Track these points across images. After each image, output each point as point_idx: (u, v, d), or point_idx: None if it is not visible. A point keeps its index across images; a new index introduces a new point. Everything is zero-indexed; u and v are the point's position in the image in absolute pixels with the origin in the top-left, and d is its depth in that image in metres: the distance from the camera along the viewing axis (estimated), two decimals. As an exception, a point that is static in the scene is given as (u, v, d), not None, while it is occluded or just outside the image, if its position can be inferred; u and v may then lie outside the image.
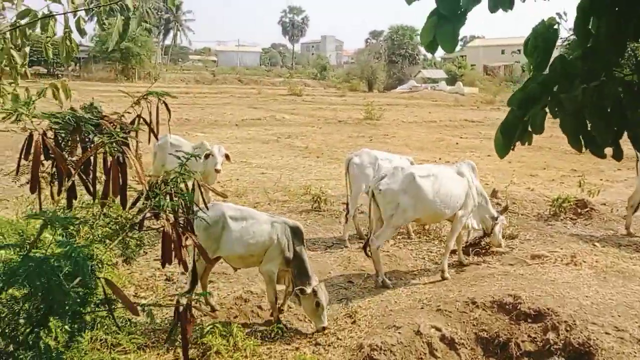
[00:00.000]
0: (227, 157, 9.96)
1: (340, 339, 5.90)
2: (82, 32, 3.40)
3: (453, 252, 8.64)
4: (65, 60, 3.75)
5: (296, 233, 6.03)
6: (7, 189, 11.04)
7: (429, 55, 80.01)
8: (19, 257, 3.99)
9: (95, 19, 3.52)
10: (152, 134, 2.74)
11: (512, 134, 2.30)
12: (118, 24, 3.23)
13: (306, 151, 19.06)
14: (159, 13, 74.88)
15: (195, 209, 2.92)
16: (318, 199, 11.11)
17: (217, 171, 9.74)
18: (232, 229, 5.92)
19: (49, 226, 2.15)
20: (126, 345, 5.07)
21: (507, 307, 6.38)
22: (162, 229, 2.45)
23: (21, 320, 2.04)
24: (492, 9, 2.44)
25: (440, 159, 17.17)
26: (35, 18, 3.11)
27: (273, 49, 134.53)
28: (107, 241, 2.92)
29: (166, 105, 2.82)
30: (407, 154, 12.43)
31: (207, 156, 9.72)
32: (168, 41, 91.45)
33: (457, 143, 22.31)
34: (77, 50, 3.69)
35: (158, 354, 5.29)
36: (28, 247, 4.85)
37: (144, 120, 2.71)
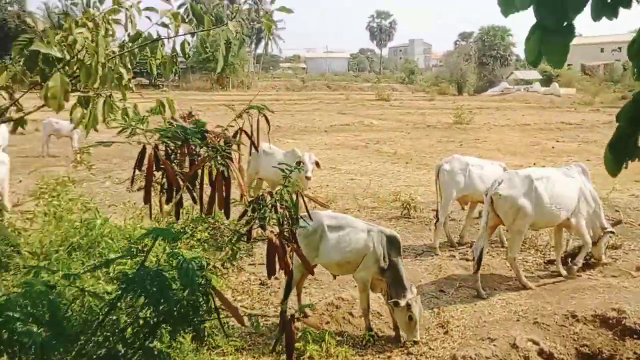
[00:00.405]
0: (317, 164, 10.11)
1: (433, 349, 5.82)
2: (185, 55, 3.58)
3: (551, 262, 8.29)
4: (166, 74, 3.96)
5: (392, 242, 5.98)
6: (115, 195, 11.79)
7: (522, 56, 77.18)
8: (134, 266, 4.30)
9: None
10: (253, 147, 2.85)
11: (621, 152, 2.16)
12: (222, 48, 3.36)
13: (395, 157, 18.95)
14: (251, 23, 77.22)
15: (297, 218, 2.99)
16: (408, 206, 11.02)
17: (308, 178, 9.91)
18: (329, 237, 5.99)
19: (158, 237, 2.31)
20: (225, 348, 5.28)
21: (610, 321, 6.05)
22: (266, 240, 2.55)
23: (137, 328, 2.20)
24: (595, 18, 2.32)
25: (534, 164, 16.49)
26: (146, 42, 3.31)
27: (361, 54, 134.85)
28: (216, 250, 3.06)
29: (266, 118, 2.93)
30: (499, 159, 12.07)
31: (298, 164, 9.91)
32: (260, 50, 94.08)
33: (553, 147, 21.35)
34: (177, 65, 3.91)
35: (254, 356, 5.45)
36: (141, 255, 5.16)
37: (246, 133, 2.83)
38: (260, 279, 7.46)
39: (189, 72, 62.90)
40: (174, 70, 3.78)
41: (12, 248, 2.88)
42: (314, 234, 5.92)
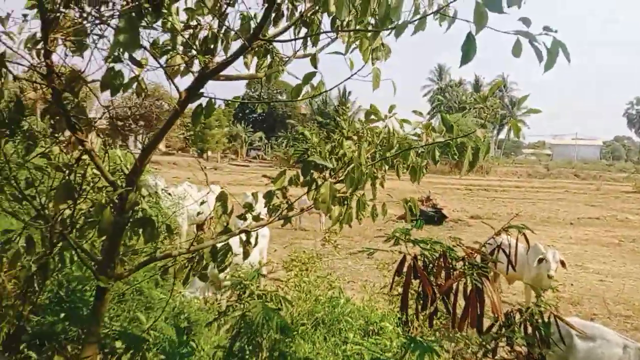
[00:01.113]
0: (562, 263, 9.41)
1: None
2: (435, 161, 3.77)
3: None
4: (414, 180, 4.03)
5: (653, 364, 5.18)
6: (353, 272, 12.45)
7: None
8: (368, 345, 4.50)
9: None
10: (510, 266, 2.83)
11: None
12: (468, 154, 3.47)
13: (656, 260, 16.59)
14: (494, 110, 76.68)
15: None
16: (672, 321, 9.50)
17: (550, 277, 9.25)
18: (579, 348, 5.39)
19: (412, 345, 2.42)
20: None
21: None
22: None
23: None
24: None
25: None
26: (399, 150, 3.59)
27: (616, 141, 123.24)
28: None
29: (526, 237, 2.90)
30: None
31: (540, 260, 9.35)
32: (502, 135, 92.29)
33: None
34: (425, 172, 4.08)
35: None
36: (377, 338, 5.35)
37: (504, 251, 2.83)
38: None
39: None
40: (419, 175, 3.96)
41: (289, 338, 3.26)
42: (560, 344, 5.41)
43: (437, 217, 22.03)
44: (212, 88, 3.09)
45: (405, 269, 2.68)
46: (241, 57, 3.38)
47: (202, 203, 3.34)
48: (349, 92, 75.50)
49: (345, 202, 3.41)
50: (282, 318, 4.16)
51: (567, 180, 60.51)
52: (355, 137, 3.26)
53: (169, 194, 11.19)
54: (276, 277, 10.77)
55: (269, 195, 3.31)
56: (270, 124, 76.84)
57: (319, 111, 70.43)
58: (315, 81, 3.28)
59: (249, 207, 3.19)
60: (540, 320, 2.64)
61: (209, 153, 63.49)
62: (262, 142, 75.43)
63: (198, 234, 3.72)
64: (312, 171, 3.24)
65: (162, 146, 58.61)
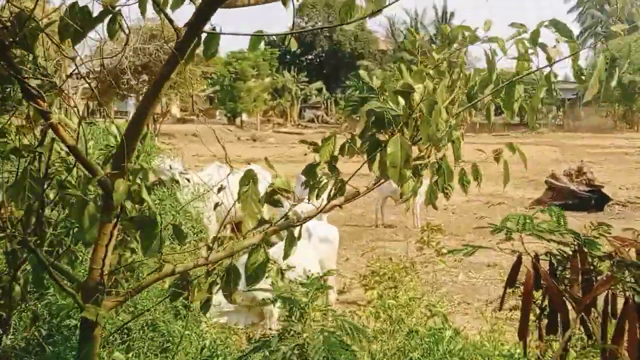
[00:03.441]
0: None
1: None
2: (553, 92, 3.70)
3: None
4: (531, 125, 3.99)
5: None
6: (467, 287, 12.42)
7: None
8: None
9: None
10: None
11: None
12: (600, 66, 3.30)
13: None
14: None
15: None
16: None
17: None
18: None
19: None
20: None
21: None
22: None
23: None
24: None
25: None
26: (498, 86, 3.57)
27: None
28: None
29: None
30: None
31: None
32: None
33: None
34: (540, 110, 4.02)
35: None
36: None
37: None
38: None
39: (578, 103, 60.96)
40: (538, 117, 3.89)
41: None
42: None
43: (594, 200, 21.44)
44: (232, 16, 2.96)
45: (525, 280, 2.67)
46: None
47: (220, 190, 3.27)
48: (452, 14, 74.12)
49: (419, 170, 3.32)
50: (355, 358, 4.16)
51: None
52: (431, 72, 3.25)
53: (188, 180, 11.25)
54: (349, 299, 10.88)
55: (309, 171, 3.27)
56: (333, 68, 75.58)
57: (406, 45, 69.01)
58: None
59: (279, 189, 3.17)
60: None
61: (244, 117, 63.26)
62: (321, 96, 73.43)
63: (226, 238, 3.76)
64: (375, 129, 3.16)
65: (175, 110, 58.92)
